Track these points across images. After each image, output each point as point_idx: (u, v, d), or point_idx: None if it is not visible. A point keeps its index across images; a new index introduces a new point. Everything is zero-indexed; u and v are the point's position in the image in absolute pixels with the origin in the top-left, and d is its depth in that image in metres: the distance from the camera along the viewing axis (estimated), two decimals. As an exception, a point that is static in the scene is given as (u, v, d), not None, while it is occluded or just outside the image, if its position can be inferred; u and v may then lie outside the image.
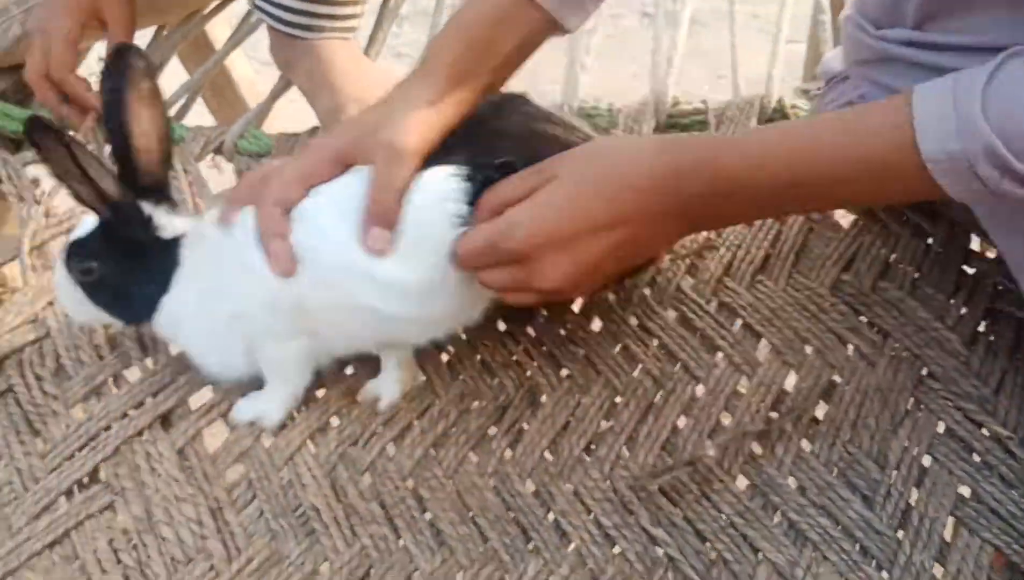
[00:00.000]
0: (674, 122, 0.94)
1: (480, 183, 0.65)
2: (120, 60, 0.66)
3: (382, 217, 0.65)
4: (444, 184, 0.65)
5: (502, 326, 0.80)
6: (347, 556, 0.65)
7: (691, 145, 0.65)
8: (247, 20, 1.20)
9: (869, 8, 0.76)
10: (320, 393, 0.76)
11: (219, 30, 1.33)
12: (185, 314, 0.70)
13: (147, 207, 0.68)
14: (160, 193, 0.69)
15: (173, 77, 1.15)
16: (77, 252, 0.70)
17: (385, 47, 1.14)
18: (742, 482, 0.68)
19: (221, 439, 0.73)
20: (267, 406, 0.72)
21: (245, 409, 0.73)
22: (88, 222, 0.70)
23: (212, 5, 1.22)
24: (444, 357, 0.78)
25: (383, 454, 0.71)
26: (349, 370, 0.77)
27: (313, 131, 0.98)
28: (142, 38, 1.09)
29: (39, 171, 1.07)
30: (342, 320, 0.68)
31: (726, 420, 0.71)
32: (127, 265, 0.69)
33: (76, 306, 0.72)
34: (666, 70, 0.97)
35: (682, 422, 0.71)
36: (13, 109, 1.02)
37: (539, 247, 0.63)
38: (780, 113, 0.93)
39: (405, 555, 0.65)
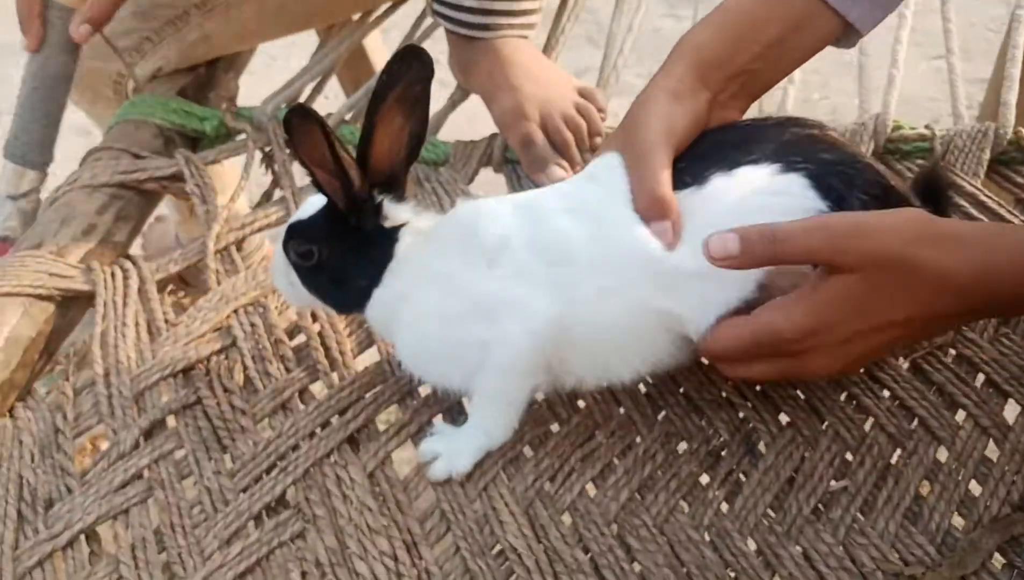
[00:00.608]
0: (895, 148, 0.86)
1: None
2: (404, 60, 0.62)
3: (651, 211, 0.62)
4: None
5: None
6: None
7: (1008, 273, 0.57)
8: (413, 32, 1.18)
9: None
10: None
11: (373, 41, 1.32)
12: (401, 309, 0.66)
13: (381, 198, 0.65)
14: (393, 186, 0.66)
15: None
16: (298, 235, 0.67)
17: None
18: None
19: (407, 461, 0.69)
20: (458, 450, 0.67)
21: (432, 448, 0.67)
22: (309, 205, 0.67)
23: (383, 7, 1.20)
24: (642, 388, 0.72)
25: (583, 494, 0.66)
26: (539, 395, 0.72)
27: (492, 138, 0.94)
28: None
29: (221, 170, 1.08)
30: (620, 339, 0.64)
31: (976, 490, 0.63)
32: (348, 252, 0.66)
33: (289, 290, 0.69)
34: (887, 89, 0.89)
35: (924, 488, 0.63)
36: (195, 107, 1.01)
37: (815, 347, 0.58)
38: (1015, 145, 0.84)
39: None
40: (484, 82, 0.95)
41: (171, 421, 0.71)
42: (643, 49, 2.09)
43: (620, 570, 0.61)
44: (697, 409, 0.70)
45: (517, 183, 0.91)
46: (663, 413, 0.70)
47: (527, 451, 0.69)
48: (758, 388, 0.71)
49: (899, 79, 0.92)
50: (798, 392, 0.70)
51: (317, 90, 1.13)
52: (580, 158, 0.89)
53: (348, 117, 1.02)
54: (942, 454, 0.65)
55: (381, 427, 0.71)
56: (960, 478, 0.63)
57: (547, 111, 0.89)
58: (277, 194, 0.93)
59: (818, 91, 1.86)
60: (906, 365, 0.70)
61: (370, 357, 0.77)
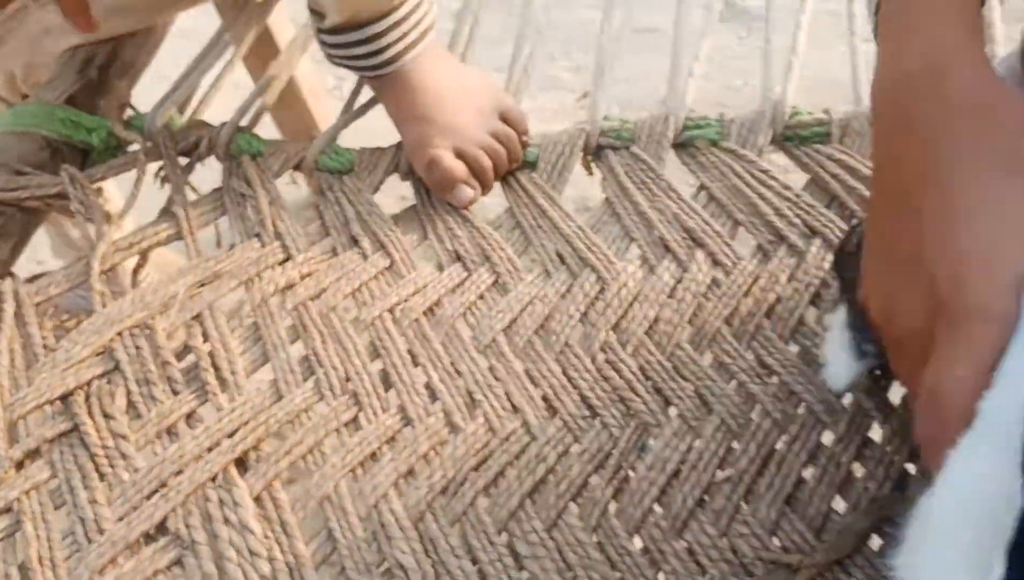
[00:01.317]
0: (792, 134, 0.86)
1: None
2: None
3: None
4: None
5: (601, 356, 0.73)
6: (437, 622, 0.59)
7: None
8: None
9: None
10: (408, 431, 0.70)
11: (280, 21, 1.25)
12: None
13: None
14: None
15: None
16: None
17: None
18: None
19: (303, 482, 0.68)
20: None
21: None
22: None
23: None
24: (539, 392, 0.72)
25: (475, 504, 0.65)
26: (437, 406, 0.71)
27: (400, 145, 0.92)
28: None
29: (107, 186, 1.04)
30: None
31: (859, 473, 0.63)
32: None
33: None
34: (785, 76, 0.89)
35: (807, 473, 0.63)
36: (84, 116, 0.97)
37: None
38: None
39: (502, 622, 0.59)
40: (394, 113, 0.92)
41: (47, 450, 0.69)
42: (572, 43, 2.09)
43: (507, 578, 0.61)
44: (591, 408, 0.70)
45: (425, 193, 0.90)
46: (557, 415, 0.70)
47: (420, 465, 0.68)
48: (651, 381, 0.71)
49: (798, 65, 0.92)
50: (687, 383, 0.70)
51: (216, 87, 1.03)
52: (493, 183, 0.89)
53: (245, 123, 0.99)
54: (827, 438, 0.65)
55: (271, 449, 0.69)
56: (843, 460, 0.63)
57: (460, 141, 0.87)
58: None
59: (740, 77, 1.87)
60: (795, 349, 0.71)
61: (265, 374, 0.76)
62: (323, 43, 0.91)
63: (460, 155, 0.87)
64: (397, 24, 0.86)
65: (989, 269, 0.43)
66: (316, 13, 0.88)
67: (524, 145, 0.91)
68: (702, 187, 0.85)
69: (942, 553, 0.37)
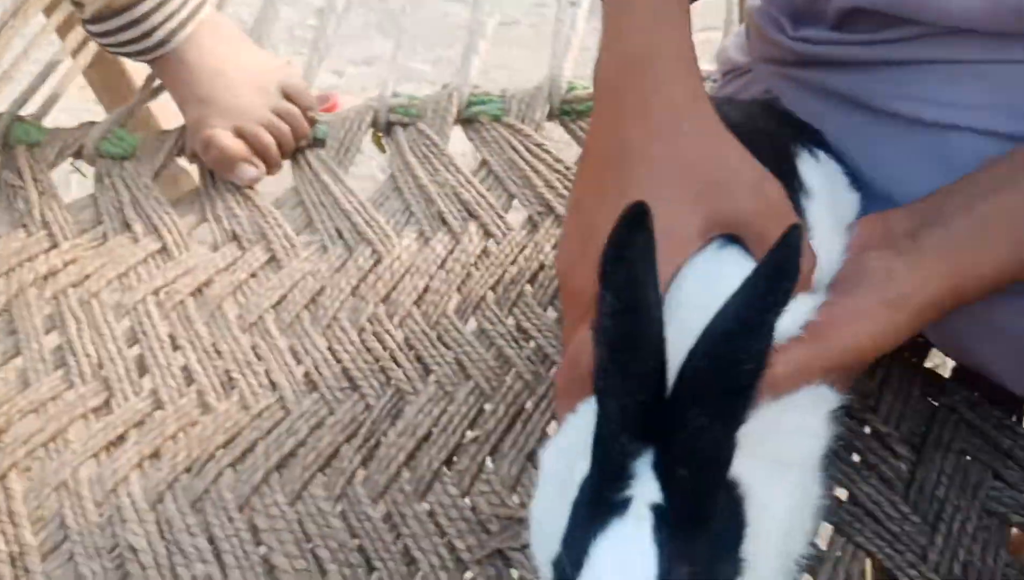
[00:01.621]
0: (570, 108, 0.86)
1: None
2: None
3: None
4: None
5: (369, 328, 0.72)
6: (162, 602, 0.57)
7: None
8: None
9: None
10: (159, 414, 0.67)
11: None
12: None
13: None
14: None
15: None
16: None
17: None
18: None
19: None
20: None
21: None
22: None
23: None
24: (302, 369, 0.70)
25: (218, 481, 0.63)
26: (192, 387, 0.69)
27: (184, 128, 0.90)
28: None
29: None
30: None
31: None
32: None
33: None
34: (562, 53, 0.90)
35: (552, 428, 0.63)
36: None
37: None
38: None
39: (230, 597, 0.57)
40: (175, 95, 0.90)
41: None
42: (430, 37, 2.09)
43: (243, 552, 0.59)
44: (351, 380, 0.69)
45: (209, 175, 0.87)
46: (316, 389, 0.68)
47: (167, 447, 0.66)
48: (413, 351, 0.70)
49: (576, 41, 0.93)
50: (448, 350, 0.69)
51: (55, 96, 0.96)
52: (280, 161, 0.87)
53: (31, 111, 0.94)
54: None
55: (9, 439, 0.66)
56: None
57: (240, 119, 0.85)
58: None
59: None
60: (554, 315, 0.71)
61: (19, 364, 0.72)
62: (91, 33, 0.88)
63: (240, 134, 0.85)
64: (159, 6, 0.84)
65: (584, 253, 0.47)
66: (76, 3, 0.85)
67: (311, 122, 0.89)
68: (483, 161, 0.85)
69: (545, 488, 0.46)
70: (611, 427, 0.39)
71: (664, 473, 0.38)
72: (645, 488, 0.38)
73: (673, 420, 0.38)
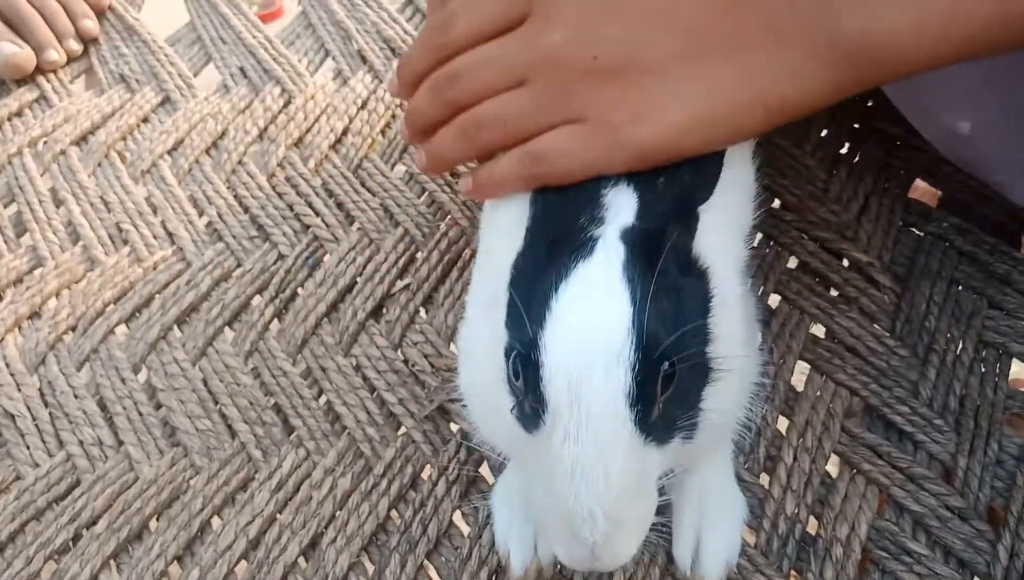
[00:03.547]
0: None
1: None
2: None
3: None
4: None
5: (280, 173, 0.63)
6: (45, 469, 0.49)
7: None
8: None
9: None
10: (38, 272, 0.58)
11: None
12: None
13: None
14: None
15: None
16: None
17: None
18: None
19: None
20: None
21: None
22: None
23: None
24: (204, 219, 0.62)
25: (107, 340, 0.55)
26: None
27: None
28: None
29: None
30: None
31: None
32: None
33: None
34: None
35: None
36: None
37: None
38: None
39: (123, 461, 0.49)
40: None
41: None
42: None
43: (138, 414, 0.51)
44: (260, 228, 0.60)
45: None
46: (221, 239, 0.60)
47: (49, 305, 0.57)
48: (333, 198, 0.62)
49: None
50: (373, 196, 0.61)
51: None
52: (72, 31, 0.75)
53: None
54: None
55: None
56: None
57: None
58: None
59: None
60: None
61: None
62: None
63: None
64: None
65: None
66: None
67: None
68: (408, -3, 0.76)
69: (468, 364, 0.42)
70: None
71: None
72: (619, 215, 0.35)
73: None
